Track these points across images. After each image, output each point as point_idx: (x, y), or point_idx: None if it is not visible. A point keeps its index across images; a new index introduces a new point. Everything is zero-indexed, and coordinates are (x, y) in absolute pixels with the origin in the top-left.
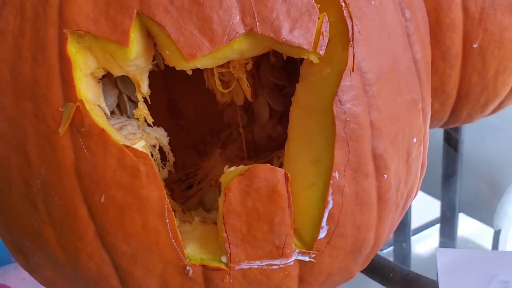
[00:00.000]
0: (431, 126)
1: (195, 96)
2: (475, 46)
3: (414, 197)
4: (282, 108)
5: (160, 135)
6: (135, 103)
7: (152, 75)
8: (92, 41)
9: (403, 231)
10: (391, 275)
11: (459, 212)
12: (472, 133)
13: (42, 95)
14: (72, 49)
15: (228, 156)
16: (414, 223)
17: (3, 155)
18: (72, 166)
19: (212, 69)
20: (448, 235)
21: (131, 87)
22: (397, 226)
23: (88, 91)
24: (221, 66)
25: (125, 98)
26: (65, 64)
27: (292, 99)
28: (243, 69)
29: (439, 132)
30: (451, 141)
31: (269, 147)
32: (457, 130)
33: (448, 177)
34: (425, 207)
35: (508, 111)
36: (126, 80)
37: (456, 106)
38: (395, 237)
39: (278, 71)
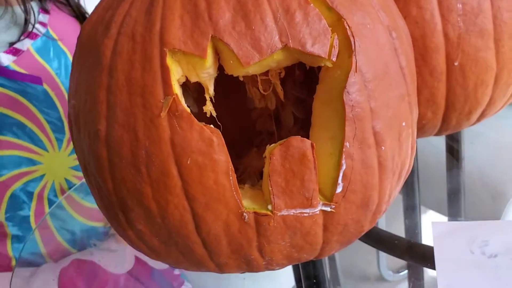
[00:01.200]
0: (427, 134)
1: (233, 110)
2: (456, 64)
3: (408, 171)
4: (303, 116)
5: None
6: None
7: (203, 96)
8: (181, 56)
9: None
10: (396, 242)
11: None
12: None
13: (149, 92)
14: (169, 61)
15: (262, 153)
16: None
17: (118, 135)
18: (168, 139)
19: (253, 81)
20: None
21: (189, 99)
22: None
23: (178, 90)
24: (262, 74)
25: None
26: (164, 71)
27: (314, 96)
28: (277, 77)
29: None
30: (453, 154)
31: None
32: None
33: (453, 194)
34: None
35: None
36: (187, 95)
37: (445, 115)
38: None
39: (300, 86)
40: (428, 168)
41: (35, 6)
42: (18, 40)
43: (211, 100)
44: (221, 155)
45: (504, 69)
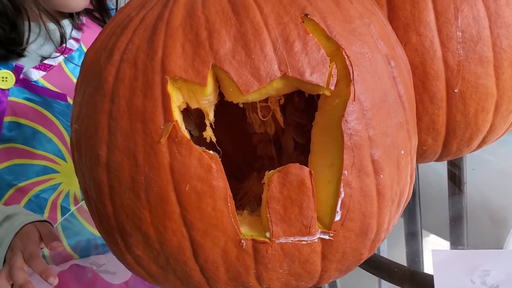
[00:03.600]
0: (428, 160)
1: (234, 134)
2: (456, 91)
3: (407, 199)
4: (304, 141)
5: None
6: (192, 137)
7: (204, 121)
8: (182, 83)
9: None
10: (396, 270)
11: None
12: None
13: (149, 118)
14: (170, 88)
15: (262, 179)
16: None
17: (118, 161)
18: (167, 165)
19: (253, 107)
20: None
21: (191, 124)
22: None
23: (178, 117)
24: (262, 101)
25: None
26: (165, 98)
27: (312, 123)
28: (277, 104)
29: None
30: (455, 180)
31: None
32: (460, 170)
33: (455, 219)
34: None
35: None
36: (189, 121)
37: (446, 141)
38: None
39: (300, 112)
40: (430, 193)
41: (68, 23)
42: (50, 55)
43: (211, 125)
44: (220, 182)
45: (505, 95)
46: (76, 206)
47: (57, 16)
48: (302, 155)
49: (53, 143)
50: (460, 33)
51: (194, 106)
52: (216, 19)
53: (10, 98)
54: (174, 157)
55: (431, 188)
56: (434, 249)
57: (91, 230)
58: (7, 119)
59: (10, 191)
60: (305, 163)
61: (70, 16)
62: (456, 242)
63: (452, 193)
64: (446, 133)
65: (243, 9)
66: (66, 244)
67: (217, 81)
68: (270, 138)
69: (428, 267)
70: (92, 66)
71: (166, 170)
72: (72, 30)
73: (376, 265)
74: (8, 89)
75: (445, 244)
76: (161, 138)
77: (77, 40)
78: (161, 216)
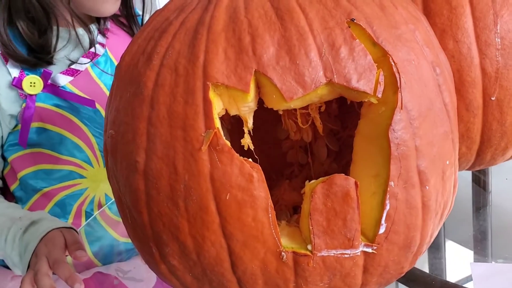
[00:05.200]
0: (460, 168)
1: (262, 141)
2: (493, 99)
3: (449, 211)
4: (337, 148)
5: None
6: None
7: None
8: (224, 89)
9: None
10: (433, 282)
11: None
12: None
13: (190, 125)
14: (212, 95)
15: (294, 187)
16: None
17: (157, 168)
18: (208, 173)
19: (289, 113)
20: None
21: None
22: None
23: (219, 124)
24: (301, 108)
25: None
26: (207, 104)
27: (355, 132)
28: (317, 111)
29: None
30: (481, 188)
31: None
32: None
33: (480, 230)
34: (459, 259)
35: None
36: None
37: (480, 150)
38: None
39: (334, 119)
40: (455, 201)
41: (94, 28)
42: (77, 61)
43: (249, 133)
44: (261, 191)
45: None
46: (99, 211)
47: (86, 20)
48: (334, 162)
49: (80, 148)
50: (499, 40)
51: (233, 112)
52: (259, 23)
53: (38, 104)
54: (215, 165)
55: (456, 196)
56: (471, 262)
57: (114, 235)
58: (34, 124)
59: (36, 196)
60: (338, 171)
61: (97, 21)
62: (480, 252)
63: (477, 203)
64: (480, 141)
65: (287, 13)
66: (88, 251)
67: (258, 87)
68: (301, 145)
69: (450, 276)
70: (130, 71)
71: (206, 178)
72: (97, 35)
73: (413, 278)
74: (36, 95)
75: (469, 254)
76: (202, 146)
77: (102, 45)
78: (199, 225)
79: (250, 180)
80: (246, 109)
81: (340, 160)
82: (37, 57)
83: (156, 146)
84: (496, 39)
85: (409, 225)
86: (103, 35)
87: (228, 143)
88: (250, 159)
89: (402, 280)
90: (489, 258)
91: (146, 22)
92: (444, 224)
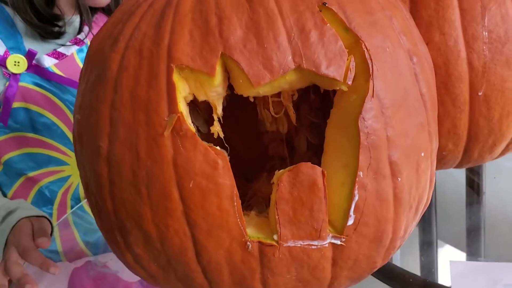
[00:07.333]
0: (448, 166)
1: (245, 133)
2: (480, 94)
3: (425, 206)
4: (318, 142)
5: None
6: (200, 133)
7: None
8: (189, 73)
9: None
10: (411, 280)
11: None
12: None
13: (153, 109)
14: (176, 77)
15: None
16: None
17: (119, 154)
18: (171, 159)
19: (264, 102)
20: None
21: (199, 119)
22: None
23: (184, 108)
24: (274, 96)
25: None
26: (170, 88)
27: (327, 121)
28: (290, 99)
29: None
30: (474, 189)
31: None
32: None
33: (473, 229)
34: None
35: None
36: (196, 115)
37: (467, 147)
38: None
39: (315, 111)
40: (447, 201)
41: (85, 16)
42: (63, 45)
43: (219, 120)
44: (226, 179)
45: None
46: (85, 200)
47: (78, 8)
48: (315, 156)
49: (62, 132)
50: (486, 33)
51: (201, 98)
52: (227, 5)
53: (21, 84)
54: (178, 151)
55: (448, 196)
56: (451, 260)
57: None
58: (16, 104)
59: (20, 180)
60: (318, 165)
61: (87, 10)
62: (473, 253)
63: (470, 202)
64: (467, 138)
65: None
66: (80, 240)
67: (227, 72)
68: (283, 138)
69: (442, 279)
70: (96, 55)
71: (169, 164)
72: (84, 25)
73: (390, 275)
74: (19, 74)
75: (461, 255)
76: (164, 131)
77: (89, 34)
78: (162, 213)
79: (215, 167)
80: (214, 94)
81: (321, 153)
82: (53, 24)
83: (119, 131)
84: (484, 33)
85: (380, 217)
86: (90, 25)
87: (193, 128)
88: (224, 150)
89: (380, 277)
90: (482, 259)
91: (118, 6)
92: (436, 224)
